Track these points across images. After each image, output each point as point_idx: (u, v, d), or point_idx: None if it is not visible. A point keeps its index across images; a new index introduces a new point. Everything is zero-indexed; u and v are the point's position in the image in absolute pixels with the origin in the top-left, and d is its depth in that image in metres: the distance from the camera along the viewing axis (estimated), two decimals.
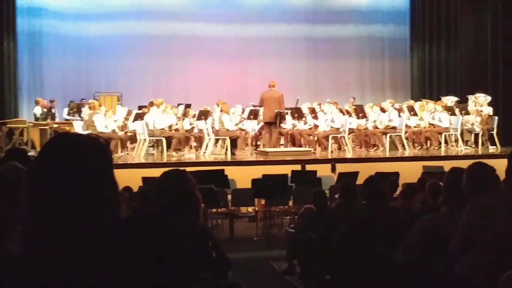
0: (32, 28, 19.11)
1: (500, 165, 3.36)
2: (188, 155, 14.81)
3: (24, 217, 1.65)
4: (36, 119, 16.34)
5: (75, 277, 1.57)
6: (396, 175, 9.68)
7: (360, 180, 8.63)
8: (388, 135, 15.45)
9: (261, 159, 13.66)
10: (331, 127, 15.34)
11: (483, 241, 3.10)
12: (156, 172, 3.69)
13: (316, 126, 15.57)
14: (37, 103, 16.85)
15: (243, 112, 15.82)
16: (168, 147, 14.30)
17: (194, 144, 15.67)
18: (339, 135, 15.33)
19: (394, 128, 15.70)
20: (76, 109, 17.28)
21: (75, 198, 1.62)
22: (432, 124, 15.94)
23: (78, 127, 14.51)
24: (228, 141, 14.44)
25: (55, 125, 15.73)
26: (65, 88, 19.44)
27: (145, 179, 9.55)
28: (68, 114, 17.34)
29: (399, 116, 15.92)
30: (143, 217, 1.56)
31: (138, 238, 1.46)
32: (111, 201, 1.67)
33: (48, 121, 16.16)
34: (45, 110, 16.71)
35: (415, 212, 5.78)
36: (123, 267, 1.45)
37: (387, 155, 14.53)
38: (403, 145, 15.52)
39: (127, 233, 1.48)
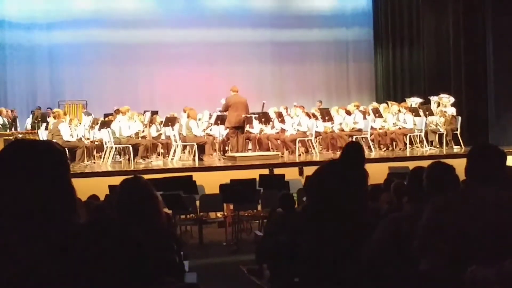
0: None
1: (464, 164, 3.43)
2: (156, 162, 14.75)
3: None
4: None
5: (26, 281, 1.58)
6: None
7: None
8: (354, 137, 15.58)
9: (229, 164, 13.66)
10: (298, 130, 15.41)
11: (444, 239, 3.17)
12: None
13: (283, 130, 15.63)
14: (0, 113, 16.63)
15: (210, 118, 15.80)
16: (135, 154, 14.22)
17: (161, 151, 15.61)
18: (306, 139, 15.42)
19: (360, 130, 15.85)
20: (41, 119, 17.05)
21: (28, 203, 1.63)
22: (397, 126, 16.13)
23: (43, 137, 14.37)
24: (195, 147, 14.42)
25: (20, 135, 15.54)
26: (29, 97, 19.28)
27: (112, 187, 9.47)
28: (32, 123, 17.04)
29: (365, 118, 16.07)
30: (100, 223, 1.57)
31: (95, 243, 1.47)
32: (66, 206, 1.68)
33: (13, 131, 15.96)
34: (8, 120, 16.50)
35: (381, 213, 5.84)
36: (78, 272, 1.46)
37: None
38: (369, 147, 15.66)
39: (83, 238, 1.50)
